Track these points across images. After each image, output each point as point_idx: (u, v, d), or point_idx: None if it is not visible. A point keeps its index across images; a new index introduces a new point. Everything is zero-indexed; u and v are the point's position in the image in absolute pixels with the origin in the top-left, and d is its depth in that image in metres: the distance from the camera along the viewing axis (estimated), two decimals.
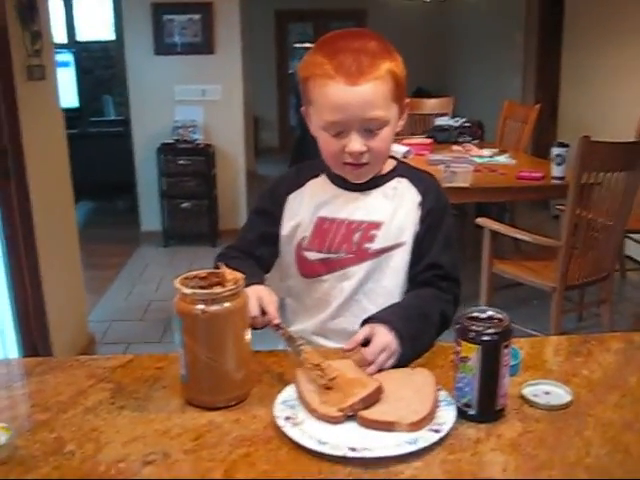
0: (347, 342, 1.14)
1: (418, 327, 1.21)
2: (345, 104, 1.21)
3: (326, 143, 1.29)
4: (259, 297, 1.19)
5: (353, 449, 0.92)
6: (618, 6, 4.89)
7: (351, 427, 0.98)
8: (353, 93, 1.21)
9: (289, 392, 1.06)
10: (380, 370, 1.12)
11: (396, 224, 1.34)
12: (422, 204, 1.35)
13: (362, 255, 1.34)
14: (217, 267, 1.33)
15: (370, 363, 1.11)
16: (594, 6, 5.24)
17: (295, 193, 1.40)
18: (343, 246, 1.34)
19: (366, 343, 1.15)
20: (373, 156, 1.28)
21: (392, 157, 1.41)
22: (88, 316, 3.69)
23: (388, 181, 1.37)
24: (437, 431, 0.95)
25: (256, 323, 1.18)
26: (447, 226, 1.37)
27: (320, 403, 1.02)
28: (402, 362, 1.15)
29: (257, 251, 1.41)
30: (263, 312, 1.19)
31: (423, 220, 1.35)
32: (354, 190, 1.36)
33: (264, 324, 1.19)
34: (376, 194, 1.36)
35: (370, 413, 0.99)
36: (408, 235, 1.35)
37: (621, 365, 1.20)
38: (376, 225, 1.34)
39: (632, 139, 3.85)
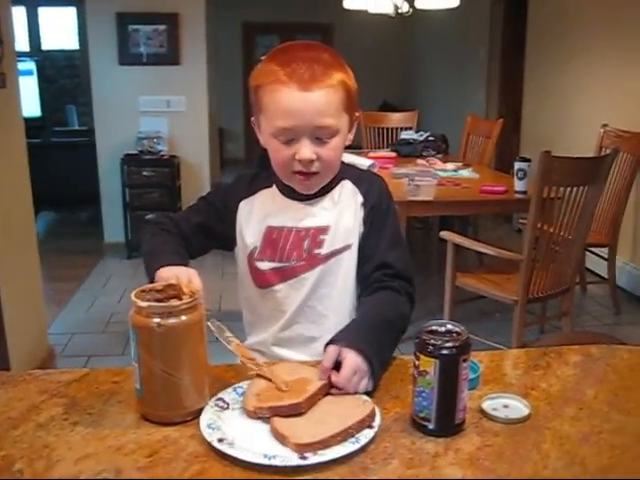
0: (320, 371, 1.10)
1: (382, 339, 1.19)
2: (297, 110, 1.22)
3: (276, 151, 1.29)
4: (188, 274, 1.17)
5: (229, 443, 0.94)
6: (579, 24, 4.99)
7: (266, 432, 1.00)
8: (305, 99, 1.21)
9: (208, 415, 1.03)
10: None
11: (342, 226, 1.35)
12: (364, 204, 1.37)
13: (313, 261, 1.34)
14: (145, 233, 1.41)
15: (343, 388, 1.08)
16: (556, 24, 5.35)
17: (246, 201, 1.40)
18: (294, 254, 1.34)
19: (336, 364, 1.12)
20: (323, 165, 1.28)
21: None
22: (48, 329, 3.62)
23: (334, 187, 1.38)
24: (303, 458, 0.92)
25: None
26: (392, 224, 1.38)
27: (251, 395, 1.05)
28: (373, 378, 1.12)
29: (194, 237, 1.41)
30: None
31: (366, 220, 1.36)
32: (302, 200, 1.36)
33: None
34: (323, 202, 1.37)
35: (278, 421, 0.99)
36: (354, 237, 1.36)
37: (579, 378, 1.20)
38: (323, 230, 1.34)
39: (592, 154, 3.93)
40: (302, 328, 1.37)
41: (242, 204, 1.40)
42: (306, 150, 1.25)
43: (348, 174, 1.40)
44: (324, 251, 1.34)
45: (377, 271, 1.33)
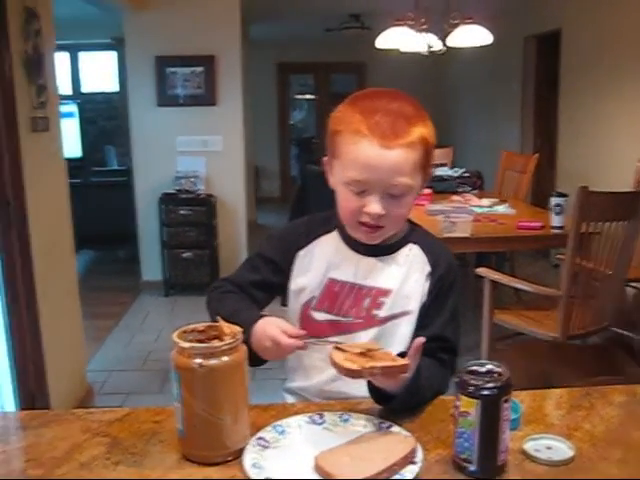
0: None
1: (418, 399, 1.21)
2: (374, 165, 1.20)
3: (345, 200, 1.27)
4: (277, 324, 1.20)
5: None
6: (613, 58, 4.97)
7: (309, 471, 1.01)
8: (384, 156, 1.19)
9: (251, 454, 1.03)
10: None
11: (404, 293, 1.33)
12: (431, 275, 1.34)
13: (370, 321, 1.32)
14: (211, 301, 1.39)
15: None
16: (589, 58, 5.33)
17: (305, 250, 1.38)
18: (352, 310, 1.33)
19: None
20: (391, 221, 1.27)
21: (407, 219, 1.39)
22: (87, 366, 3.66)
23: (401, 247, 1.36)
24: None
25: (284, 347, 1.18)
26: (454, 298, 1.36)
27: (344, 359, 1.07)
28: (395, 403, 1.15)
29: (256, 294, 1.39)
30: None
31: (431, 291, 1.34)
32: (367, 255, 1.34)
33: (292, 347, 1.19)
34: (388, 261, 1.34)
35: (322, 459, 0.99)
36: (415, 304, 1.33)
37: (624, 419, 1.18)
38: (385, 292, 1.32)
39: (630, 189, 3.88)
40: (346, 387, 1.31)
41: (301, 253, 1.38)
42: (376, 205, 1.23)
43: (417, 238, 1.37)
44: (382, 314, 1.32)
45: (432, 342, 1.28)
